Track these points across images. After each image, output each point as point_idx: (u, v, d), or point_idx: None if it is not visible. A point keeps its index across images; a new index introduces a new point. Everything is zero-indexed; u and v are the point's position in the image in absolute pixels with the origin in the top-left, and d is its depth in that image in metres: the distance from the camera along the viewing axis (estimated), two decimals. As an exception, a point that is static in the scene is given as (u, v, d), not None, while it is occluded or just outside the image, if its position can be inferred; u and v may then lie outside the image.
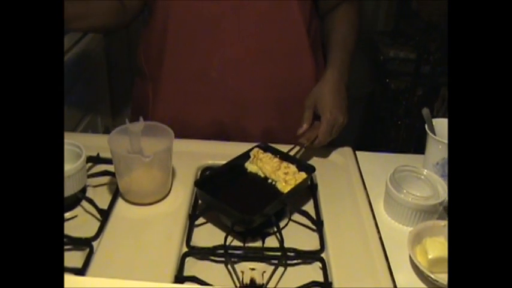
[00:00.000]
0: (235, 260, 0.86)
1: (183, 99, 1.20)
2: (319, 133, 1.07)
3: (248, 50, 1.14)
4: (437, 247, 0.84)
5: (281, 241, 0.88)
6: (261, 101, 1.19)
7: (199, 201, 0.99)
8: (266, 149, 1.07)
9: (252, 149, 1.07)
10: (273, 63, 1.16)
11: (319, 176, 1.07)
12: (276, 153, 1.06)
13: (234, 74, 1.15)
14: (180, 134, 1.01)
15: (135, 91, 1.33)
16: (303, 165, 1.03)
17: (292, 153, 1.08)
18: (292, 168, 1.02)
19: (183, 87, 1.19)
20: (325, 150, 1.13)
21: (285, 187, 0.98)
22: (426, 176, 1.00)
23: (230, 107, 1.19)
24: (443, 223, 0.90)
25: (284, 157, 1.05)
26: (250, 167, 1.04)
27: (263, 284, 0.82)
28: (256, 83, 1.17)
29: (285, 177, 0.99)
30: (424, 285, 0.84)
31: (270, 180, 1.01)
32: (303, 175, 1.00)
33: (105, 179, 1.03)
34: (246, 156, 1.06)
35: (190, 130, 1.20)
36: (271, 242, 0.91)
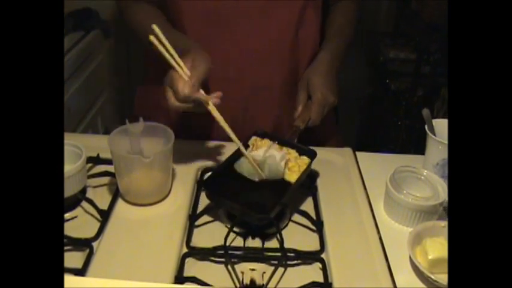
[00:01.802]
0: (235, 260, 0.86)
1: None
2: (311, 114, 1.07)
3: (260, 49, 1.14)
4: (437, 248, 0.84)
5: (281, 242, 0.88)
6: (275, 97, 1.19)
7: (200, 202, 0.99)
8: (263, 135, 1.06)
9: (250, 138, 1.06)
10: (285, 62, 1.17)
11: (319, 177, 1.07)
12: (273, 139, 1.05)
13: (250, 72, 1.15)
14: (191, 133, 1.03)
15: (141, 92, 1.32)
16: (302, 149, 1.03)
17: (287, 136, 1.07)
18: (293, 153, 1.02)
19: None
20: (325, 151, 1.13)
21: (289, 175, 0.98)
22: (426, 177, 1.00)
23: (244, 105, 1.18)
24: (443, 224, 0.90)
25: (283, 142, 1.04)
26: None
27: (263, 284, 0.82)
28: (271, 80, 1.18)
29: (288, 164, 0.99)
30: (424, 286, 0.84)
31: None
32: (304, 160, 1.00)
33: (105, 179, 1.03)
34: (245, 147, 1.05)
35: (201, 129, 1.20)
36: (271, 242, 0.91)
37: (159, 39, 0.93)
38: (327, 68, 1.12)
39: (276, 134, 1.10)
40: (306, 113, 1.08)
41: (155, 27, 0.93)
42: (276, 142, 1.04)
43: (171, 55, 0.93)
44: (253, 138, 1.06)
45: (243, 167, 0.99)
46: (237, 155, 1.02)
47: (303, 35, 1.17)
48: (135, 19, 1.15)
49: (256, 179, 0.98)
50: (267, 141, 1.04)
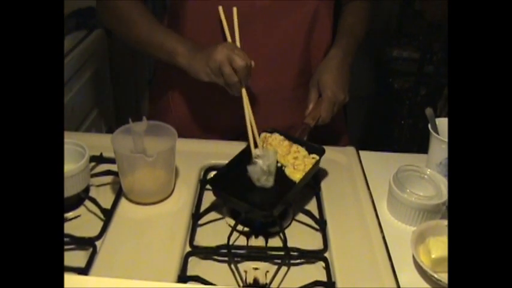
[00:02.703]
0: (239, 259, 0.86)
1: (208, 102, 1.20)
2: (321, 111, 1.07)
3: (273, 50, 1.14)
4: (441, 247, 0.84)
5: (284, 241, 0.88)
6: (287, 98, 1.19)
7: (203, 201, 0.99)
8: (272, 131, 1.06)
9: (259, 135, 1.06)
10: (298, 63, 1.17)
11: (322, 176, 1.07)
12: (283, 135, 1.05)
13: (262, 72, 1.14)
14: (202, 135, 1.06)
15: (155, 92, 1.32)
16: (312, 147, 1.03)
17: (297, 134, 1.07)
18: (302, 152, 1.02)
19: (210, 90, 1.13)
20: (328, 150, 1.13)
21: (293, 173, 0.98)
22: (429, 176, 1.00)
23: (256, 105, 1.17)
24: (447, 223, 0.89)
25: (293, 140, 1.04)
26: None
27: (266, 283, 0.82)
28: (283, 81, 1.18)
29: (294, 162, 0.99)
30: (427, 285, 0.84)
31: (279, 165, 1.00)
32: (312, 159, 1.00)
33: (109, 178, 1.03)
34: (255, 144, 1.04)
35: (212, 131, 1.21)
36: (275, 241, 0.91)
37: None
38: (338, 65, 1.12)
39: (286, 131, 1.09)
40: (316, 110, 1.08)
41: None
42: (287, 139, 1.04)
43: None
44: (263, 135, 1.06)
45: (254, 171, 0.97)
46: (243, 153, 1.02)
47: (316, 36, 1.17)
48: (124, 14, 1.14)
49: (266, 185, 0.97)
50: (276, 136, 1.04)
